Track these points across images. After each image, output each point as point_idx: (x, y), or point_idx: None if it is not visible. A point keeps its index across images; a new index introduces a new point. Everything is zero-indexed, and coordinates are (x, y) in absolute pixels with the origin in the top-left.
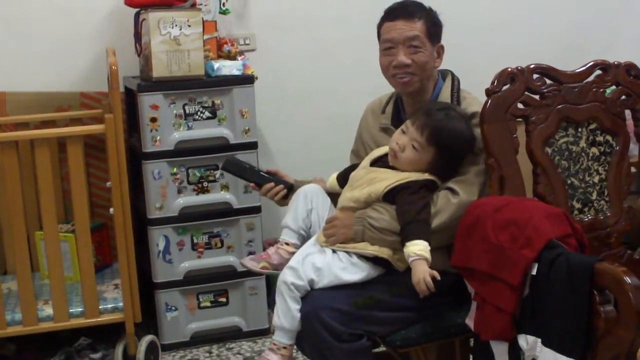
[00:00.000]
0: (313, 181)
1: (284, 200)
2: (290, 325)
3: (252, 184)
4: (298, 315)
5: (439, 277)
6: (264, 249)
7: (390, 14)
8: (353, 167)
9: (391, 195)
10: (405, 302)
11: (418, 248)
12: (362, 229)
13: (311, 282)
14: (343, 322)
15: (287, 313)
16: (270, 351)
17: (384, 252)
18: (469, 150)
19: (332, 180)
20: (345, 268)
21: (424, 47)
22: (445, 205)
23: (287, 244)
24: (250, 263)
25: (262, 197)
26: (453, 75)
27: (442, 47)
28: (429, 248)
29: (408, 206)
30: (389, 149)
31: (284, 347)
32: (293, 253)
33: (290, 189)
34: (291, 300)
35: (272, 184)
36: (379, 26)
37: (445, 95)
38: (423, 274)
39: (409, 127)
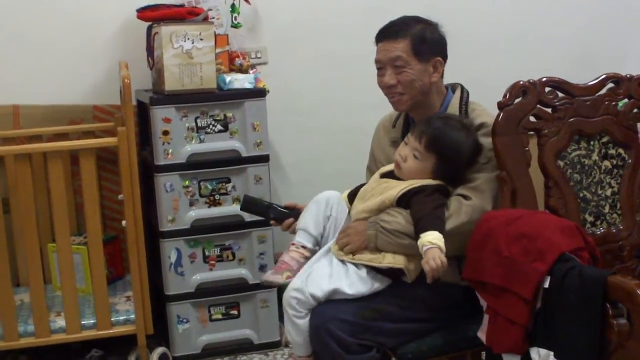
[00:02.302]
0: None
1: None
2: (304, 340)
3: (272, 221)
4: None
5: (444, 268)
6: (275, 262)
7: (378, 36)
8: (363, 186)
9: (405, 200)
10: (414, 314)
11: (432, 237)
12: (375, 233)
13: (316, 298)
14: (351, 333)
15: (297, 330)
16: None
17: (399, 262)
18: (470, 158)
19: (343, 198)
20: (351, 284)
21: (409, 66)
22: (458, 208)
23: (303, 247)
24: (274, 277)
25: None
26: (462, 88)
27: (439, 61)
28: (443, 239)
29: (423, 204)
30: (393, 161)
31: (300, 357)
32: (308, 258)
33: None
34: (299, 319)
35: (292, 219)
36: None
37: (453, 107)
38: (433, 256)
39: (409, 138)
